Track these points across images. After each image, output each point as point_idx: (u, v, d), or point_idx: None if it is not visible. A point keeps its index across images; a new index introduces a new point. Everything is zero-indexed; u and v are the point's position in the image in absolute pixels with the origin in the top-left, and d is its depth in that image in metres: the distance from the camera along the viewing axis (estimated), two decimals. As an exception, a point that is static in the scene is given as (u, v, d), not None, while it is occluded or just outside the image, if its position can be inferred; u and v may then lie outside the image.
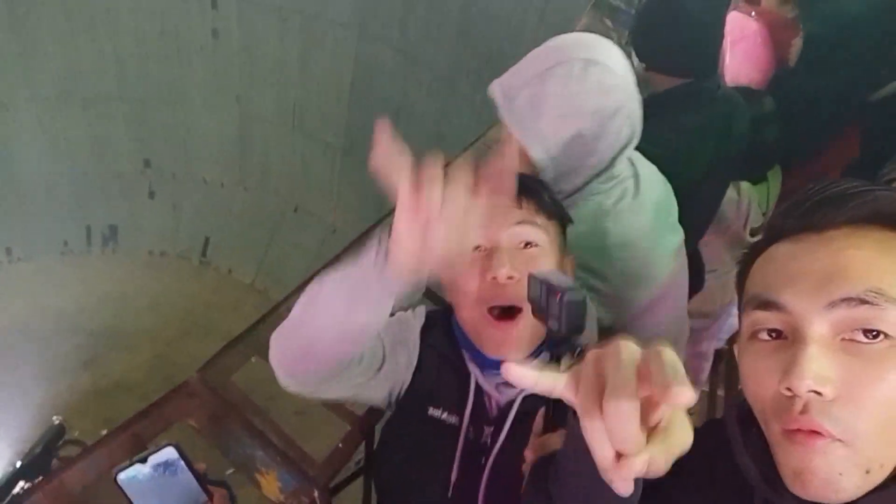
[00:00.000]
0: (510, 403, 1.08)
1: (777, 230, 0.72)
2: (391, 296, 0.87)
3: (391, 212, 0.82)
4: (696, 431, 1.08)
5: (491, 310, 1.05)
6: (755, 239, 2.23)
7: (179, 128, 6.54)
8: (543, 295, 0.78)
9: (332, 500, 1.41)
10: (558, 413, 0.96)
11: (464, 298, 1.07)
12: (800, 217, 0.68)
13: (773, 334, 0.67)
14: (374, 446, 1.31)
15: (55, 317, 5.73)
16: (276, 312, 1.57)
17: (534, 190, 1.07)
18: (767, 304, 0.67)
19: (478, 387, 1.09)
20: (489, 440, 1.07)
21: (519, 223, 1.03)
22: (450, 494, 1.09)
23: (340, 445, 1.33)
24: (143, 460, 0.98)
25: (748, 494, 0.73)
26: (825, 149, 2.11)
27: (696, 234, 1.93)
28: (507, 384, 1.08)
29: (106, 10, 5.78)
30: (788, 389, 0.62)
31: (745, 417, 0.75)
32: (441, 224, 0.76)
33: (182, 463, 0.99)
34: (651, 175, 1.32)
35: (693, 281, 2.06)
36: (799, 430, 0.62)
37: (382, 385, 1.13)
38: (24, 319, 5.62)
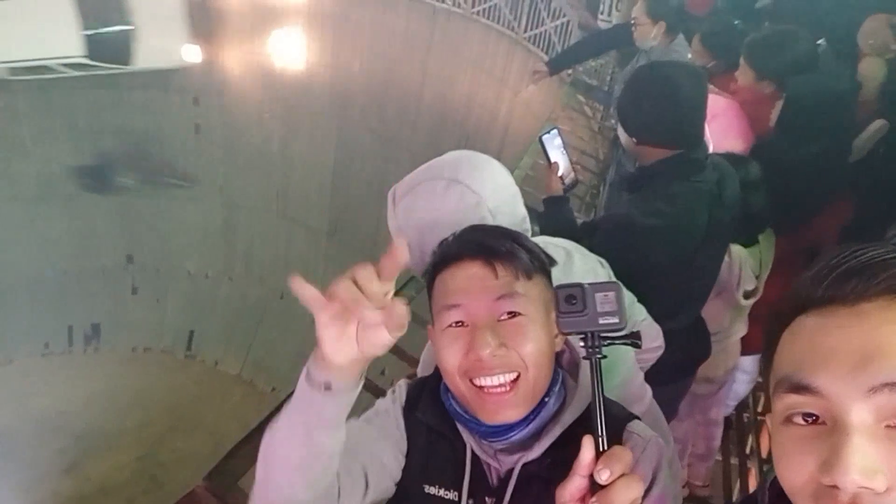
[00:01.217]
0: (511, 471, 1.03)
1: (803, 300, 0.67)
2: (341, 405, 0.85)
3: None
4: None
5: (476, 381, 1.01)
6: (750, 302, 2.25)
7: (162, 221, 6.56)
8: (588, 299, 0.78)
9: None
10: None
11: (450, 375, 1.04)
12: (828, 287, 0.63)
13: (810, 419, 0.63)
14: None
15: (37, 421, 5.56)
16: (278, 412, 1.52)
17: (508, 254, 0.99)
18: (801, 388, 0.62)
19: (475, 457, 1.05)
20: None
21: (499, 298, 0.98)
22: None
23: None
24: None
25: None
26: (818, 212, 2.15)
27: (698, 301, 1.92)
28: (507, 451, 1.04)
29: (88, 110, 5.89)
30: (832, 482, 0.58)
31: (779, 494, 0.71)
32: (359, 317, 0.78)
33: None
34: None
35: (700, 349, 2.04)
36: None
37: (377, 490, 1.08)
38: (6, 423, 5.43)
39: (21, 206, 5.93)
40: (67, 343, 6.42)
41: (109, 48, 4.86)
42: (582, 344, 0.76)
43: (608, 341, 0.76)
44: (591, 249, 1.45)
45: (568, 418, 0.99)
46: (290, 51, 6.06)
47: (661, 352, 1.54)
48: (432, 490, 1.06)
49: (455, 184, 1.24)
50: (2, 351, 6.07)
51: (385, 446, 1.09)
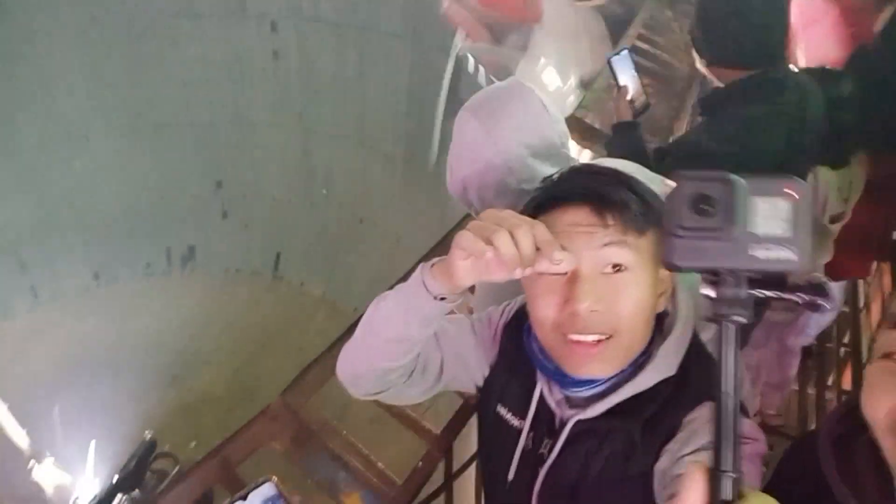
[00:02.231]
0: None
1: None
2: (444, 311, 0.93)
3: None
4: (789, 449, 1.02)
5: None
6: (836, 227, 2.13)
7: (247, 148, 6.77)
8: (738, 206, 0.43)
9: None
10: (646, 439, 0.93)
11: (540, 324, 0.97)
12: None
13: None
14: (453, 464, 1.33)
15: (142, 337, 6.02)
16: (351, 332, 1.60)
17: (621, 203, 0.91)
18: None
19: (542, 397, 1.06)
20: (547, 451, 1.05)
21: (605, 245, 0.90)
22: (507, 489, 1.09)
23: (420, 465, 1.35)
24: (244, 497, 1.01)
25: None
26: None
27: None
28: (568, 402, 1.04)
29: (172, 40, 6.05)
30: None
31: (843, 435, 0.70)
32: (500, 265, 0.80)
33: (281, 500, 1.01)
34: None
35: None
36: None
37: (453, 384, 1.17)
38: (112, 340, 5.92)
39: (115, 137, 6.23)
40: (167, 263, 6.84)
41: None
42: (710, 291, 0.45)
43: (764, 294, 0.44)
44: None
45: (629, 389, 0.95)
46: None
47: None
48: (503, 411, 1.12)
49: (472, 119, 1.28)
50: (107, 273, 6.54)
51: (475, 352, 1.15)
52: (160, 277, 6.73)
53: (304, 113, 6.66)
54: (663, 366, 0.96)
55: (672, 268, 0.47)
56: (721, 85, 1.60)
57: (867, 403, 0.63)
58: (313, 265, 6.95)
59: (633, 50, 2.92)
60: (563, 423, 1.02)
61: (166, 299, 6.44)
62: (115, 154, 6.26)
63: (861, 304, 2.56)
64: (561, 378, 0.99)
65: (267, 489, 1.00)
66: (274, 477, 0.98)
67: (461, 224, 1.86)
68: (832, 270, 2.31)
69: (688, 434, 0.88)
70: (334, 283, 6.83)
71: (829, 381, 2.54)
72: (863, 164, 2.06)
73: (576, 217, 0.92)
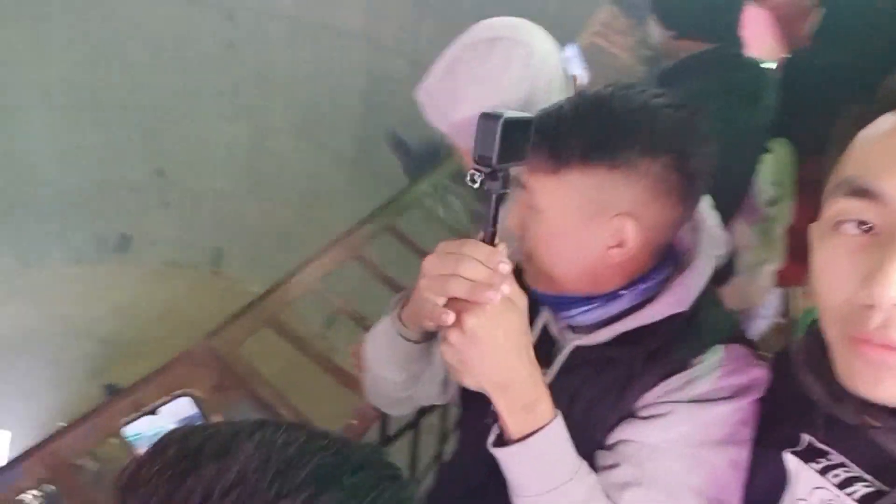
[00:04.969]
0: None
1: (890, 96, 0.59)
2: (418, 351, 1.00)
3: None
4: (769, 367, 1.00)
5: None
6: (772, 210, 2.14)
7: (192, 137, 6.56)
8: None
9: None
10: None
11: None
12: None
13: (864, 227, 0.54)
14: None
15: (66, 324, 5.72)
16: (284, 286, 1.52)
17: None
18: (862, 192, 0.53)
19: (545, 328, 1.03)
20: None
21: None
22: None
23: (355, 422, 1.27)
24: (153, 412, 0.92)
25: (808, 416, 0.65)
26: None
27: (727, 211, 1.85)
28: (571, 330, 1.00)
29: (121, 17, 5.83)
30: (870, 298, 0.51)
31: (813, 340, 0.66)
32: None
33: (198, 415, 0.92)
34: None
35: (723, 268, 1.97)
36: (869, 342, 0.52)
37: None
38: (35, 326, 5.60)
39: (52, 115, 5.95)
40: (98, 252, 6.53)
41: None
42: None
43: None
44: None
45: (637, 320, 0.92)
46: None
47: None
48: None
49: (498, 41, 1.16)
50: (34, 256, 6.21)
51: None
52: (90, 264, 6.42)
53: (255, 106, 6.51)
54: (676, 300, 0.92)
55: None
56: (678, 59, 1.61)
57: (822, 290, 0.58)
58: (255, 262, 6.75)
59: (592, 47, 2.96)
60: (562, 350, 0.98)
61: (95, 288, 6.14)
62: (50, 130, 5.97)
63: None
64: (559, 304, 0.97)
65: (183, 405, 0.90)
66: (194, 391, 0.88)
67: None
68: (782, 278, 2.32)
69: (687, 378, 0.87)
70: (276, 281, 6.65)
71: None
72: (786, 150, 2.08)
73: None
